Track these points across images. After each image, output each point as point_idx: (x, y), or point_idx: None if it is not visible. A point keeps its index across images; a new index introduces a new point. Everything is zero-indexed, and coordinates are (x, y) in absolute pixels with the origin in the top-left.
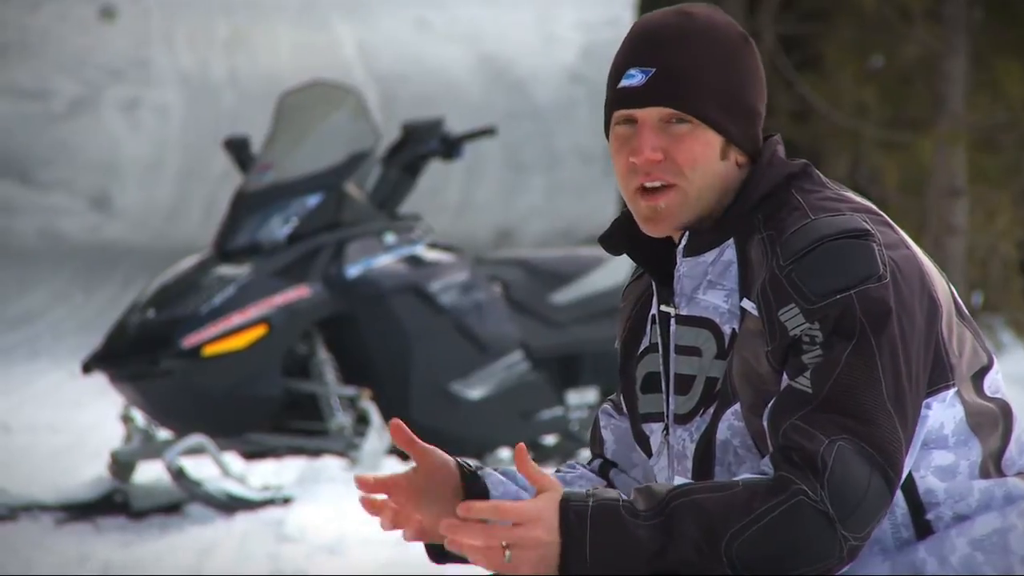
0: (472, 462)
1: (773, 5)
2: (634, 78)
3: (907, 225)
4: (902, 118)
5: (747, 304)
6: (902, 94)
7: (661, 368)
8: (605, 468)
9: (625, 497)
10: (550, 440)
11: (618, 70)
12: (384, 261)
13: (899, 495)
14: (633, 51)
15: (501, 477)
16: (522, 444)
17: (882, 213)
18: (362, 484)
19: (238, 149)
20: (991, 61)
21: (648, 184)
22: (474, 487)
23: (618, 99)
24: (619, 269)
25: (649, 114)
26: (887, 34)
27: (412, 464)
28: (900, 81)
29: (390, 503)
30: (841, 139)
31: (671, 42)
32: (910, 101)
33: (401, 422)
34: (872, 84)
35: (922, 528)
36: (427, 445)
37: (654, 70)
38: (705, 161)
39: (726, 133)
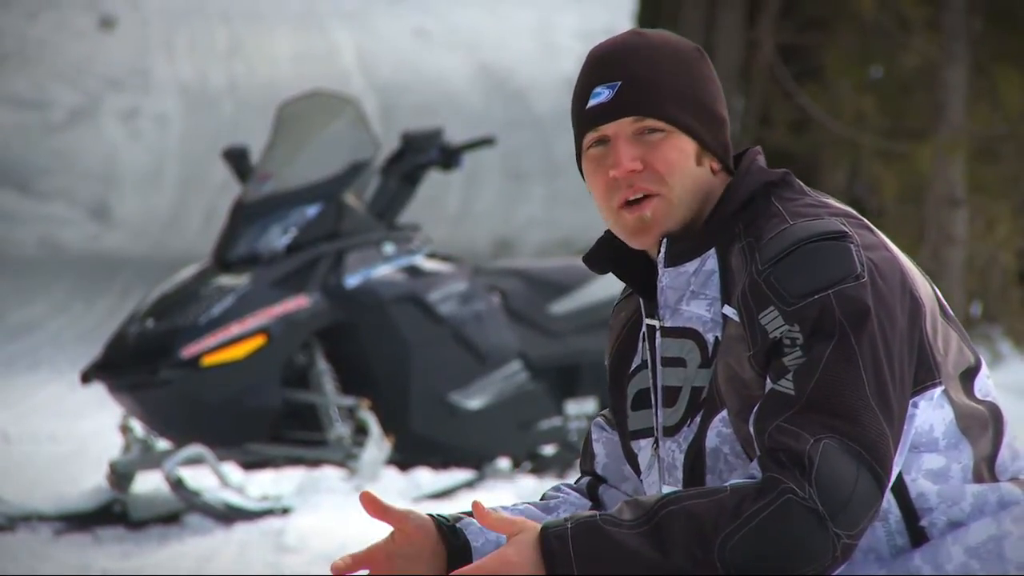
0: (450, 516)
1: (772, 15)
2: (601, 95)
3: (906, 235)
4: (901, 128)
5: (728, 310)
6: (901, 104)
7: (651, 383)
8: (594, 486)
9: (603, 512)
10: (549, 450)
11: (582, 94)
12: (383, 271)
13: (892, 501)
14: (594, 72)
15: (480, 526)
16: (477, 500)
17: (862, 217)
18: (337, 569)
19: (237, 159)
20: (990, 70)
21: (632, 197)
22: (455, 544)
23: (588, 119)
24: (617, 280)
25: (622, 127)
26: (886, 43)
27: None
28: (899, 91)
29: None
30: (840, 149)
31: (631, 56)
32: (909, 111)
33: (371, 492)
34: (871, 94)
35: (917, 535)
36: (402, 510)
37: (620, 83)
38: (683, 166)
39: (699, 137)
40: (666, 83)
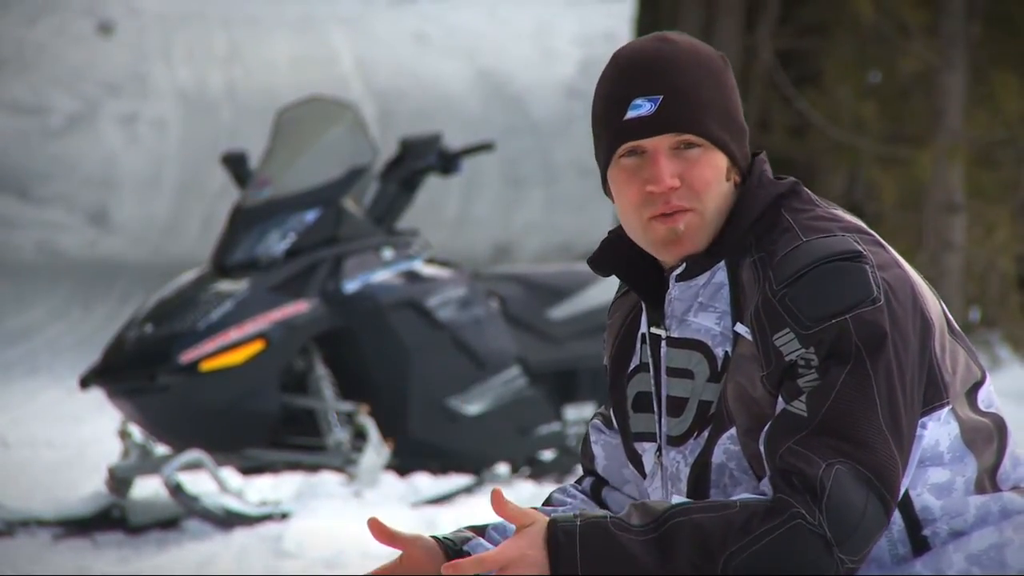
0: (456, 538)
1: (771, 20)
2: (642, 108)
3: (904, 241)
4: (900, 133)
5: (740, 328)
6: (900, 109)
7: (652, 389)
8: (597, 487)
9: (613, 514)
10: (547, 455)
11: (619, 103)
12: (382, 276)
13: (896, 513)
14: (631, 81)
15: (488, 545)
16: (498, 489)
17: (872, 232)
18: None
19: (236, 164)
20: (989, 76)
21: (667, 212)
22: None
23: (627, 131)
24: (616, 284)
25: (661, 142)
26: (885, 49)
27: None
28: (898, 96)
29: None
30: (839, 154)
31: (668, 68)
32: (908, 116)
33: (378, 519)
34: (870, 99)
35: (919, 544)
36: (410, 535)
37: (661, 97)
38: (716, 183)
39: (730, 153)
40: (705, 97)
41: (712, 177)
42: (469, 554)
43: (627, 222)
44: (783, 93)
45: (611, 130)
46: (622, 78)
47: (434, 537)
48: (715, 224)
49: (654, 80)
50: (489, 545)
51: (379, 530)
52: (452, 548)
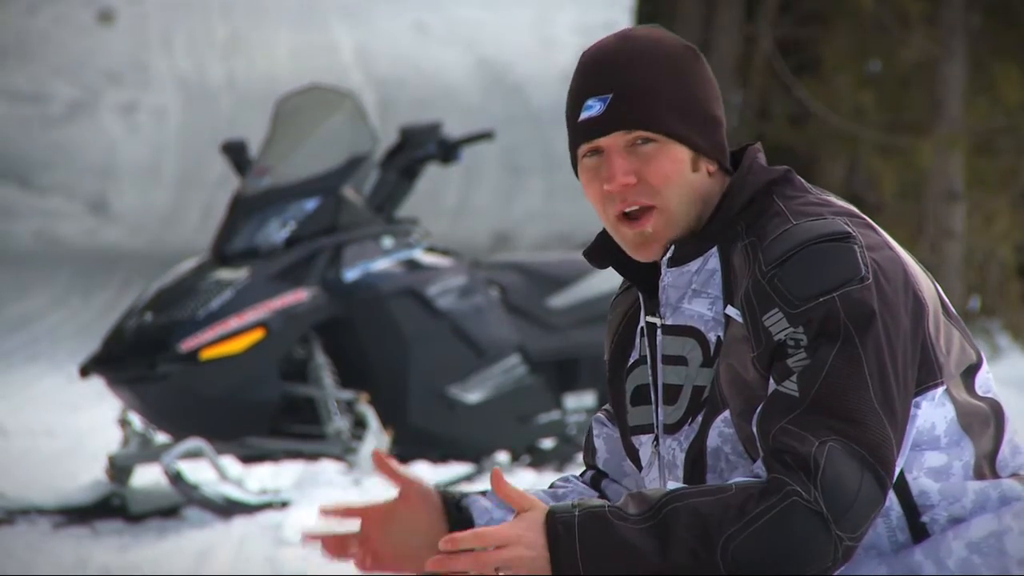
0: (458, 493)
1: (771, 9)
2: (592, 108)
3: (904, 229)
4: (900, 122)
5: (731, 311)
6: (900, 98)
7: (650, 379)
8: (598, 479)
9: (611, 503)
10: (547, 444)
11: (575, 104)
12: (382, 265)
13: (893, 498)
14: (586, 82)
15: (487, 503)
16: (497, 468)
17: (864, 216)
18: (325, 511)
19: (236, 153)
20: (989, 65)
21: (627, 210)
22: (459, 518)
23: (581, 132)
24: (616, 274)
25: (615, 140)
26: (885, 38)
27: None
28: (898, 85)
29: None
30: (839, 143)
31: (620, 66)
32: (908, 105)
33: (382, 454)
34: (870, 88)
35: (918, 531)
36: (411, 476)
37: (610, 96)
38: (677, 176)
39: (692, 144)
40: (658, 92)
41: (671, 170)
42: (467, 508)
43: (602, 220)
44: (783, 82)
45: (571, 132)
46: (580, 78)
47: (436, 487)
48: (685, 215)
49: (605, 79)
50: (487, 503)
51: (382, 462)
52: (451, 500)
